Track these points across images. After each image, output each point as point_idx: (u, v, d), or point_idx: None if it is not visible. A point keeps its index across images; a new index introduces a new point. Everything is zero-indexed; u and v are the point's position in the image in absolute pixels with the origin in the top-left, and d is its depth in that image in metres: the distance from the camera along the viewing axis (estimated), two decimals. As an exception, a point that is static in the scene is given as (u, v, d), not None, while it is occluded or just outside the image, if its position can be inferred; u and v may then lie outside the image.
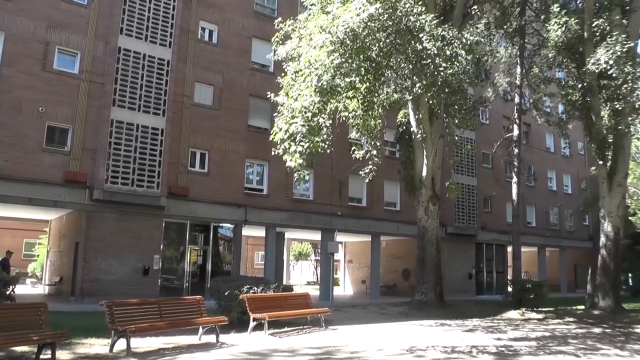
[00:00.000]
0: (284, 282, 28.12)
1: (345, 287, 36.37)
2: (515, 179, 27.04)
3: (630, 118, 19.77)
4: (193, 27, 23.52)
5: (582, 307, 23.25)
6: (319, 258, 34.07)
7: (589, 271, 24.38)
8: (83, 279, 19.52)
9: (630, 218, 40.76)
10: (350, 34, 13.29)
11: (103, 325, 10.60)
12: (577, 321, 18.98)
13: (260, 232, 26.24)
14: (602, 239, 22.03)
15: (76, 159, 19.69)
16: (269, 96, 16.50)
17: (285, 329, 14.33)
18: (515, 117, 27.36)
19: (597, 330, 16.59)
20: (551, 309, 22.42)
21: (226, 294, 14.52)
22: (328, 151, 14.54)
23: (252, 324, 13.26)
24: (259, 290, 14.75)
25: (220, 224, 24.19)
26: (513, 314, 20.75)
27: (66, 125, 19.75)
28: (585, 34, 20.66)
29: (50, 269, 25.40)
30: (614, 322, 18.25)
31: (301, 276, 55.55)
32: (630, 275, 39.81)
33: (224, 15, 24.58)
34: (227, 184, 23.46)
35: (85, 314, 15.51)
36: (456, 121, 19.21)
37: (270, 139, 14.34)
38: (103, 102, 20.07)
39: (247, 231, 26.16)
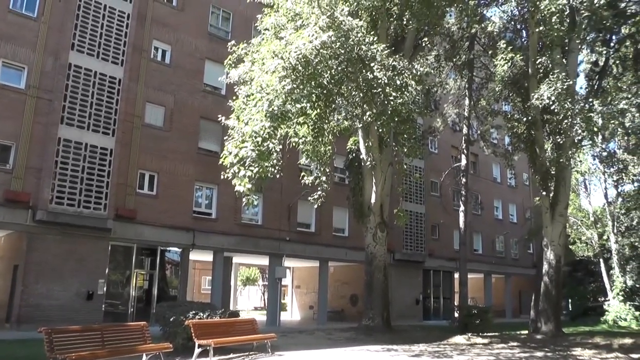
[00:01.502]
0: (231, 308, 27.80)
1: (292, 313, 36.10)
2: (462, 208, 27.68)
3: (570, 152, 20.54)
4: (146, 46, 23.28)
5: (526, 331, 23.82)
6: (267, 283, 33.79)
7: (533, 297, 25.02)
8: (21, 304, 18.64)
9: (570, 246, 42.17)
10: (302, 60, 13.41)
11: (41, 354, 10.15)
12: (520, 345, 19.35)
13: (208, 257, 25.85)
14: (545, 267, 22.64)
15: (19, 178, 18.98)
16: (220, 119, 16.42)
17: (231, 355, 14.09)
18: (463, 147, 28.12)
19: (539, 354, 16.95)
20: (496, 333, 22.80)
21: (171, 319, 14.19)
22: (277, 176, 14.51)
23: (197, 350, 12.96)
24: (205, 316, 14.50)
25: (168, 248, 23.70)
26: (459, 338, 20.99)
27: (9, 142, 19.06)
28: (530, 70, 21.45)
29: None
30: (554, 346, 18.72)
31: (248, 301, 54.97)
32: (570, 300, 41.17)
33: (178, 36, 24.47)
34: (175, 207, 23.07)
35: (21, 341, 14.84)
36: (405, 150, 19.53)
37: (220, 162, 14.26)
38: (50, 119, 19.50)
39: (194, 255, 25.79)
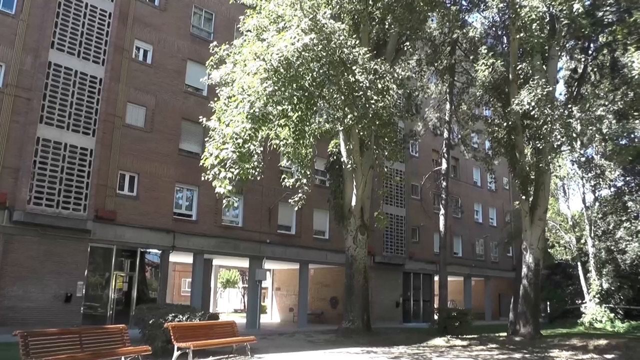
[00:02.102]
0: (211, 310, 27.65)
1: (272, 315, 36.03)
2: (442, 211, 27.89)
3: (549, 157, 20.81)
4: (128, 46, 23.09)
5: (505, 334, 24.02)
6: (247, 285, 33.71)
7: (512, 300, 25.29)
8: (-4, 306, 18.29)
9: (549, 250, 42.77)
10: (284, 62, 13.42)
11: (16, 358, 9.99)
12: (499, 347, 19.59)
13: (188, 259, 25.72)
14: (524, 270, 22.89)
15: (-5, 178, 18.70)
16: (201, 120, 16.38)
17: (211, 358, 14.04)
18: (444, 151, 28.36)
19: (517, 355, 17.19)
20: (475, 336, 23.00)
21: (151, 322, 14.13)
22: (258, 178, 14.52)
23: (176, 353, 12.91)
24: (184, 319, 14.48)
25: (148, 250, 23.49)
26: (439, 341, 21.15)
27: (-15, 142, 18.77)
28: (510, 76, 21.65)
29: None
30: (532, 348, 19.01)
31: (228, 304, 54.74)
32: (548, 303, 41.77)
33: (160, 36, 24.33)
34: (156, 209, 22.91)
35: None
36: (386, 153, 19.63)
37: (201, 163, 14.22)
38: (29, 118, 19.22)
39: (174, 257, 25.63)
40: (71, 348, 10.54)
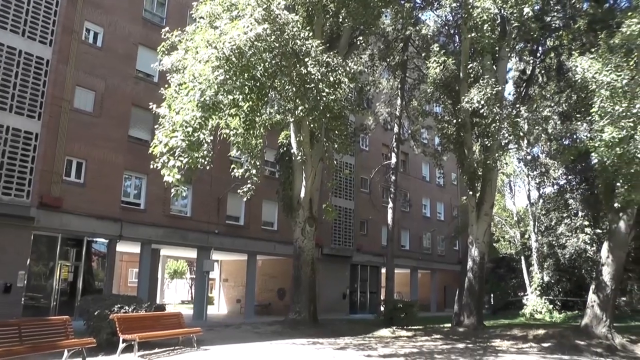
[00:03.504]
0: (158, 301, 27.32)
1: (219, 306, 35.82)
2: (391, 204, 28.34)
3: (497, 154, 21.37)
4: (77, 27, 22.26)
5: (449, 325, 24.68)
6: (195, 276, 33.40)
7: (457, 292, 25.94)
8: None
9: (494, 244, 44.05)
10: (236, 51, 13.28)
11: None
12: (443, 338, 20.12)
13: (135, 249, 25.20)
14: (470, 263, 23.48)
15: None
16: (151, 107, 16.08)
17: (156, 350, 13.89)
18: (394, 145, 28.77)
19: (460, 345, 17.71)
20: (420, 327, 23.54)
21: (96, 313, 13.81)
22: (208, 168, 14.34)
23: (121, 345, 12.74)
24: (130, 310, 14.25)
25: (95, 239, 22.86)
26: (384, 332, 21.53)
27: None
28: (461, 74, 22.06)
29: None
30: (475, 338, 19.63)
31: (176, 295, 54.22)
32: (492, 295, 43.14)
33: (111, 18, 23.61)
34: (103, 197, 22.31)
35: None
36: (336, 146, 19.71)
37: (150, 151, 14.01)
38: (-33, 99, 18.39)
39: (121, 247, 25.11)
40: (9, 341, 10.20)
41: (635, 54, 15.74)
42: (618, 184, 17.81)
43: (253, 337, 17.69)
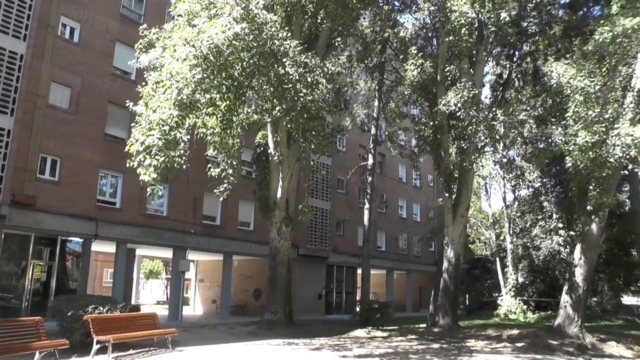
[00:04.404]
0: (133, 302, 27.06)
1: (195, 307, 35.61)
2: (367, 205, 28.45)
3: (473, 157, 21.54)
4: (53, 22, 21.85)
5: (424, 325, 24.86)
6: (170, 277, 33.12)
7: (432, 292, 26.13)
8: None
9: (469, 246, 44.52)
10: (214, 50, 13.22)
11: None
12: (418, 338, 20.25)
13: (111, 248, 24.92)
14: (445, 264, 23.67)
15: None
16: (128, 105, 15.93)
17: (131, 351, 13.76)
18: (371, 147, 28.89)
19: (435, 345, 17.85)
20: (396, 327, 23.66)
21: (69, 314, 13.61)
22: (184, 167, 14.23)
23: (95, 347, 12.56)
24: (104, 311, 14.07)
25: (69, 238, 22.50)
26: (360, 332, 21.59)
27: None
28: (439, 77, 22.25)
29: None
30: (450, 338, 19.81)
31: (151, 295, 53.76)
32: (467, 296, 43.60)
33: (88, 14, 23.29)
34: (78, 195, 22.00)
35: None
36: (313, 146, 19.68)
37: (126, 150, 13.88)
38: (-63, 95, 18.06)
39: (96, 246, 24.80)
40: (-22, 342, 10.03)
41: (608, 60, 16.08)
42: (591, 187, 18.20)
43: (228, 338, 17.62)
